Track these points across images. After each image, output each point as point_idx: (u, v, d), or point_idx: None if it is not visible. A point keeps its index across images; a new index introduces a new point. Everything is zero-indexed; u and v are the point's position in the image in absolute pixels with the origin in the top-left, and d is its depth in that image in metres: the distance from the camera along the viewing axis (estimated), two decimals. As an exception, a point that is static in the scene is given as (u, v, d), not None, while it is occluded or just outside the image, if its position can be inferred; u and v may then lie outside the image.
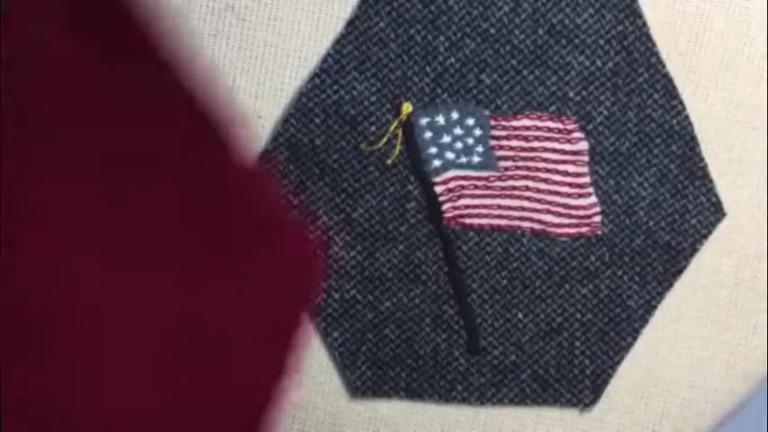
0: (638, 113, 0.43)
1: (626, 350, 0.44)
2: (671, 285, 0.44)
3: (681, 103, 0.42)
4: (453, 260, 0.42)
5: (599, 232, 0.43)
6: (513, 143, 0.41)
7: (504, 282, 0.43)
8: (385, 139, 0.41)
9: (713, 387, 0.44)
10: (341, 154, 0.41)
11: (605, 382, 0.44)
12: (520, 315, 0.43)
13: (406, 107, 0.41)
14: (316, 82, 0.41)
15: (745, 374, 0.44)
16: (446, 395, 0.43)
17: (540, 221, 0.42)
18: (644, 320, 0.44)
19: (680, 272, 0.44)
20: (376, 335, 0.42)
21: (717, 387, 0.44)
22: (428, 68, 0.41)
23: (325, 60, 0.41)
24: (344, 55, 0.41)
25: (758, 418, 0.45)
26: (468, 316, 0.43)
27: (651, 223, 0.43)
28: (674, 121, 0.42)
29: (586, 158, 0.42)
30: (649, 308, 0.44)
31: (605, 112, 0.42)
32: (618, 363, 0.44)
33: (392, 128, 0.41)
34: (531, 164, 0.42)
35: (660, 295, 0.44)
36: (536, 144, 0.42)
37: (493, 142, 0.41)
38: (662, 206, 0.43)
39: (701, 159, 0.44)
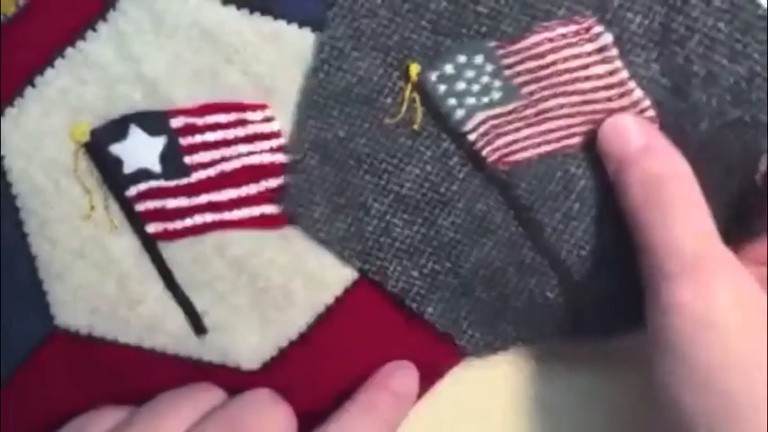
0: None
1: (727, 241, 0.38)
2: (756, 165, 0.39)
3: None
4: (515, 199, 0.40)
5: (656, 125, 0.39)
6: (529, 65, 0.39)
7: (576, 205, 0.40)
8: (405, 107, 0.40)
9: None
10: (368, 137, 0.40)
11: None
12: (605, 234, 0.40)
13: (414, 68, 0.39)
14: (320, 75, 0.39)
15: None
16: (560, 336, 0.41)
17: (585, 134, 0.40)
18: (740, 209, 0.39)
19: (763, 150, 0.39)
20: (468, 298, 0.41)
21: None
22: (423, 21, 0.39)
23: (321, 50, 0.39)
24: (338, 38, 0.39)
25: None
26: (550, 253, 0.40)
27: (713, 102, 0.38)
28: None
29: (615, 53, 0.38)
30: (741, 195, 0.39)
31: None
32: None
33: (407, 93, 0.40)
34: (555, 80, 0.39)
35: (749, 180, 0.39)
36: (552, 57, 0.38)
37: (508, 71, 0.39)
38: (721, 77, 0.38)
39: (756, 5, 0.37)
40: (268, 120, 0.40)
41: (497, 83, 0.39)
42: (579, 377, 0.45)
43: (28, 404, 0.42)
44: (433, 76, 0.39)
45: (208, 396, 0.40)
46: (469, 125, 0.39)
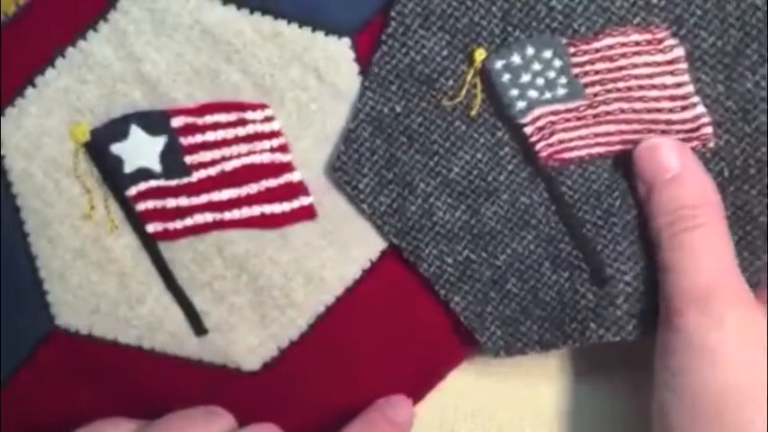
0: (738, 5, 0.39)
1: (762, 269, 0.40)
2: None
3: None
4: (559, 197, 0.41)
5: (711, 145, 0.40)
6: (599, 66, 0.39)
7: (617, 203, 0.40)
8: (465, 91, 0.40)
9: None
10: (424, 116, 0.40)
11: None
12: (640, 234, 0.40)
13: (480, 54, 0.39)
14: (384, 49, 0.40)
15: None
16: (581, 337, 0.41)
17: (639, 142, 0.40)
18: None
19: None
20: (498, 291, 0.41)
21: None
22: (494, 8, 0.39)
23: (388, 25, 0.39)
24: (407, 15, 0.39)
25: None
26: (586, 247, 0.41)
27: None
28: None
29: (684, 66, 0.39)
30: None
31: (699, 12, 0.39)
32: (757, 281, 0.40)
33: (469, 78, 0.40)
34: (621, 84, 0.39)
35: None
36: (623, 62, 0.39)
37: (576, 70, 0.39)
38: None
39: None
40: (268, 119, 0.40)
41: (563, 79, 0.39)
42: (577, 380, 0.45)
43: (28, 404, 0.42)
44: (499, 65, 0.39)
45: (220, 421, 0.40)
46: (528, 118, 0.40)
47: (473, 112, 0.40)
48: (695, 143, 0.40)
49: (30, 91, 0.40)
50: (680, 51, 0.39)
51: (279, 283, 0.41)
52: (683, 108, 0.39)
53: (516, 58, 0.39)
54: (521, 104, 0.39)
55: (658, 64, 0.39)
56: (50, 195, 0.41)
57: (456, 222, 0.41)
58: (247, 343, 0.42)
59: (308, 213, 0.41)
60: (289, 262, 0.41)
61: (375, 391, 0.42)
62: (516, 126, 0.40)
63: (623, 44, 0.39)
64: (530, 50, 0.39)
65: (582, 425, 0.45)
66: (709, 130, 0.40)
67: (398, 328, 0.42)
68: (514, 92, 0.39)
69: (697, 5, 0.39)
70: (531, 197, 0.41)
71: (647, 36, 0.39)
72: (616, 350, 0.43)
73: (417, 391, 0.43)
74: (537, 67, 0.39)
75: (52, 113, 0.40)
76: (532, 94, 0.39)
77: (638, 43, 0.39)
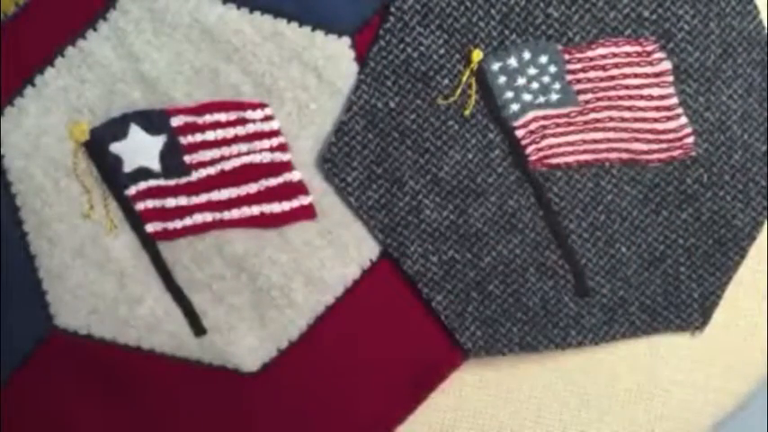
0: (719, 23, 0.41)
1: (734, 270, 0.43)
2: None
3: (756, 7, 0.41)
4: (546, 203, 0.42)
5: (693, 153, 0.42)
6: (591, 74, 0.41)
7: (602, 217, 0.42)
8: (460, 91, 0.40)
9: (713, 387, 0.45)
10: (418, 113, 0.41)
11: (714, 304, 0.44)
12: (623, 249, 0.42)
13: (477, 54, 0.40)
14: (381, 44, 0.40)
15: (745, 374, 0.45)
16: (561, 342, 0.43)
17: (627, 150, 0.42)
18: (752, 238, 0.43)
19: None
20: (480, 292, 0.42)
21: (717, 387, 0.45)
22: (493, 11, 0.40)
23: (387, 20, 0.40)
24: (406, 11, 0.40)
25: (758, 418, 0.45)
26: (572, 258, 0.42)
27: (746, 136, 0.42)
28: (751, 27, 0.41)
29: (671, 79, 0.41)
30: (756, 224, 0.43)
31: (686, 27, 0.41)
32: (726, 283, 0.43)
33: (465, 78, 0.40)
34: (612, 93, 0.41)
35: (766, 209, 0.43)
36: (615, 72, 0.41)
37: (570, 76, 0.41)
38: (753, 117, 0.42)
39: None
40: (267, 118, 0.40)
41: (557, 85, 0.41)
42: (574, 382, 0.45)
43: (28, 404, 0.42)
44: (496, 66, 0.40)
45: None
46: (521, 120, 0.41)
47: (467, 112, 0.41)
48: (678, 152, 0.42)
49: (29, 90, 0.40)
50: (667, 65, 0.41)
51: (278, 283, 0.41)
52: (668, 119, 0.41)
53: (513, 61, 0.40)
54: (515, 107, 0.40)
55: (647, 75, 0.41)
56: (49, 195, 0.40)
57: (443, 221, 0.41)
58: (246, 343, 0.42)
59: (307, 213, 0.41)
60: (288, 262, 0.41)
61: (375, 391, 0.42)
62: (508, 129, 0.41)
63: (615, 54, 0.41)
64: (526, 54, 0.40)
65: (579, 426, 0.45)
66: (691, 139, 0.42)
67: (399, 328, 0.42)
68: (509, 94, 0.40)
69: (685, 21, 0.41)
70: (518, 201, 0.42)
71: (638, 48, 0.41)
72: (612, 355, 0.44)
73: (418, 393, 0.43)
74: (532, 71, 0.40)
75: (52, 113, 0.40)
76: (527, 97, 0.41)
77: (629, 54, 0.41)
